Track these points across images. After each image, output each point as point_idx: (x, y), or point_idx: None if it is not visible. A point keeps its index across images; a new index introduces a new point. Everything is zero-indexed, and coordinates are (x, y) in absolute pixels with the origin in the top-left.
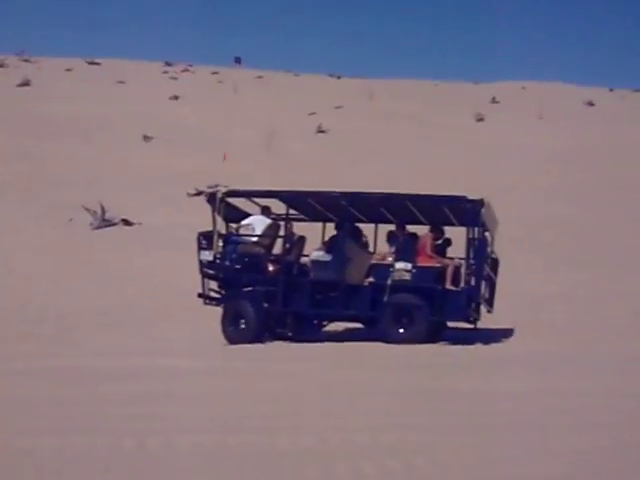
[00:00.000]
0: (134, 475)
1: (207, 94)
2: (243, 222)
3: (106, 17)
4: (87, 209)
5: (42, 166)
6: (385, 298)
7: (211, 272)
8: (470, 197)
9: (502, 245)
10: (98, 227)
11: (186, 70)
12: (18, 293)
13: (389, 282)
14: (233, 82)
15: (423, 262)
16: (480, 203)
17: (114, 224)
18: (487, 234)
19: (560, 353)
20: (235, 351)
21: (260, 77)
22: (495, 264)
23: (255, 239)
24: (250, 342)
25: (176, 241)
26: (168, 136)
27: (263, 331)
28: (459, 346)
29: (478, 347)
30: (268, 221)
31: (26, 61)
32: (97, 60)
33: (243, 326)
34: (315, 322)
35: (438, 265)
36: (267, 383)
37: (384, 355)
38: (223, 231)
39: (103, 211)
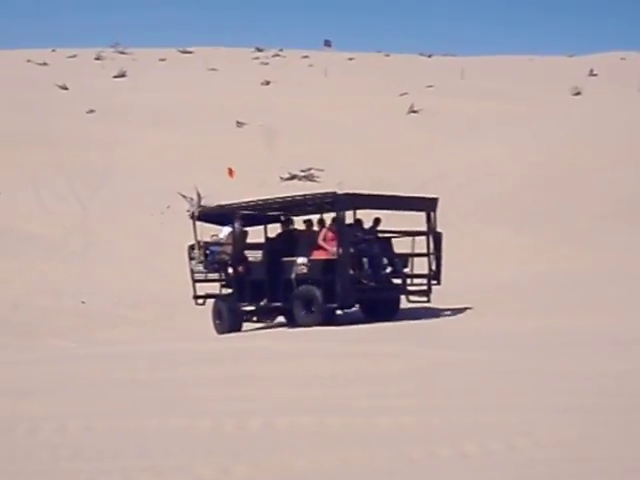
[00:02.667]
0: (236, 455)
1: (298, 78)
2: (220, 234)
3: (198, 5)
4: (184, 196)
5: (140, 154)
6: (294, 291)
7: (199, 278)
8: (339, 192)
9: (597, 221)
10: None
11: (277, 55)
12: (117, 279)
13: (293, 276)
14: (324, 65)
15: (317, 255)
16: (338, 196)
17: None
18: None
19: None
20: (326, 333)
21: (351, 59)
22: (438, 239)
23: (223, 247)
24: (228, 332)
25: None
26: (261, 121)
27: (236, 324)
28: (552, 325)
29: (570, 325)
30: (229, 230)
31: (121, 53)
32: (189, 49)
33: (222, 321)
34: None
35: (323, 257)
36: (361, 364)
37: (467, 335)
38: (203, 243)
39: (199, 197)
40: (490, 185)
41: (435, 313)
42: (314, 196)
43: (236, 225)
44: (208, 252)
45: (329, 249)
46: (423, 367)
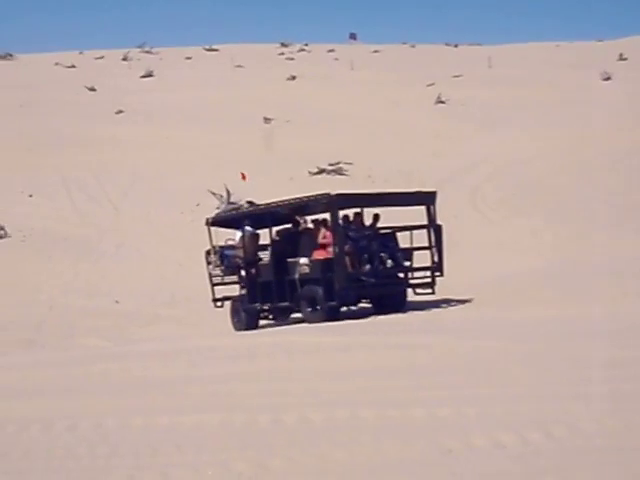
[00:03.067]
0: (271, 450)
1: (324, 72)
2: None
3: (222, 2)
4: (213, 193)
5: (169, 153)
6: (298, 290)
7: (216, 281)
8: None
9: (630, 208)
10: (225, 210)
11: (302, 50)
12: (150, 277)
13: (297, 277)
14: (349, 58)
15: (317, 255)
16: (332, 197)
17: (240, 206)
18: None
19: None
20: (355, 326)
21: (376, 51)
22: (439, 231)
23: (236, 251)
24: (245, 330)
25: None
26: (287, 117)
27: (252, 322)
28: (585, 314)
29: (603, 313)
30: (239, 234)
31: (148, 53)
32: (215, 46)
33: (240, 319)
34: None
35: (323, 257)
36: (393, 356)
37: (500, 325)
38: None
39: (228, 194)
40: (521, 174)
41: (465, 303)
42: (311, 198)
43: (246, 229)
44: (223, 256)
45: (328, 248)
46: (456, 358)
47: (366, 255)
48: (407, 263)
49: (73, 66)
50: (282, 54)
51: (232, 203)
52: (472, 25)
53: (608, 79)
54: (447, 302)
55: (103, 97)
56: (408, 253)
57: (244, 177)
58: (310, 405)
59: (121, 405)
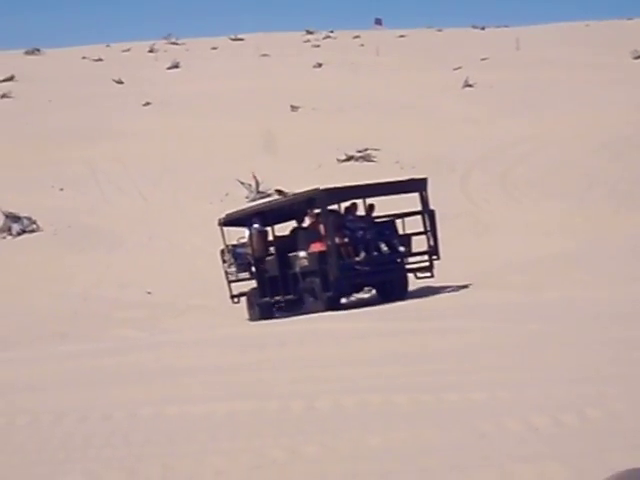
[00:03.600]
0: (305, 436)
1: (350, 59)
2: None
3: None
4: (242, 182)
5: (197, 143)
6: (300, 283)
7: (232, 279)
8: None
9: None
10: (254, 200)
11: (327, 37)
12: (180, 268)
13: (297, 270)
14: (375, 44)
15: (313, 248)
16: (320, 192)
17: (269, 195)
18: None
19: None
20: (386, 312)
21: (402, 36)
22: (432, 216)
23: (246, 248)
24: (260, 321)
25: None
26: (314, 104)
27: (265, 313)
28: (617, 295)
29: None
30: (247, 232)
31: (174, 44)
32: (240, 36)
33: (254, 311)
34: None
35: (318, 249)
36: (425, 341)
37: (531, 307)
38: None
39: (257, 183)
40: (551, 156)
41: (495, 286)
42: (301, 194)
43: (254, 226)
44: (236, 254)
45: (324, 241)
46: (487, 341)
47: (361, 245)
48: (402, 249)
49: (100, 59)
50: (308, 41)
51: (261, 192)
52: (499, 7)
53: (639, 57)
54: (477, 286)
55: (130, 89)
56: (405, 239)
57: (255, 178)
58: (343, 391)
59: (155, 394)
